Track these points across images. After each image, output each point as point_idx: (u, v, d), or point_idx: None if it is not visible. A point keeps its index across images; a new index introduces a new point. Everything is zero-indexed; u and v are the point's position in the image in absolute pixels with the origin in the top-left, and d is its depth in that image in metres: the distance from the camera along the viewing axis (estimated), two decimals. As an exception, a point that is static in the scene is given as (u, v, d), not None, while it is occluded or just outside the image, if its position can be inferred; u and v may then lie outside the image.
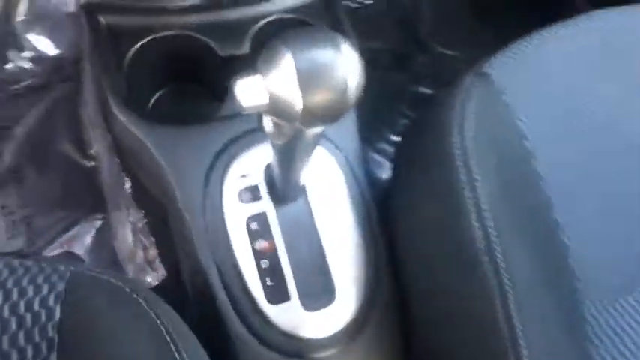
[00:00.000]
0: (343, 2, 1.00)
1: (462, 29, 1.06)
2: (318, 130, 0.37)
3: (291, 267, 0.50)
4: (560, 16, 0.53)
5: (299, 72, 0.31)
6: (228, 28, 0.57)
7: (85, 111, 0.81)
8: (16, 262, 0.36)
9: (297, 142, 0.38)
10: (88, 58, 0.58)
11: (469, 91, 0.48)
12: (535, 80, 0.49)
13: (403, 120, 0.94)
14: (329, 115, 0.34)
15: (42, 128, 0.81)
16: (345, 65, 0.32)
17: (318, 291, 0.50)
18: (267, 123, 0.37)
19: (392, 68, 0.97)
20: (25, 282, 0.34)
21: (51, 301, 0.34)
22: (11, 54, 0.84)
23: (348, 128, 0.56)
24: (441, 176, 0.45)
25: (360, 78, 0.34)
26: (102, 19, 0.54)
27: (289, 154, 0.41)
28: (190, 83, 0.63)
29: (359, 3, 1.00)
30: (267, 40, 0.33)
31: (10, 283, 0.34)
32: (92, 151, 0.79)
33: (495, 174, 0.45)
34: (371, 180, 0.57)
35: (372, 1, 1.03)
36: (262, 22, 0.58)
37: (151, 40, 0.56)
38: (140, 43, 0.55)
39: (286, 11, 0.59)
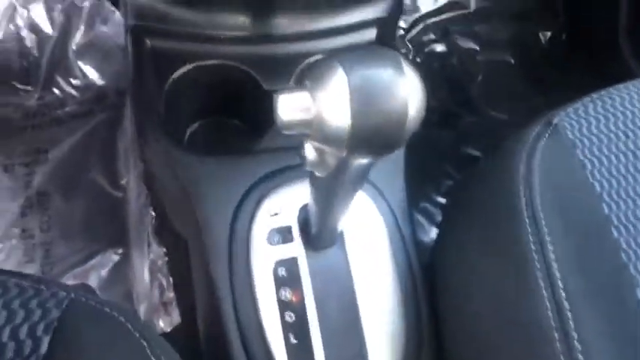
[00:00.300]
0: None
1: (512, 94, 1.03)
2: (366, 161, 0.32)
3: (320, 324, 0.44)
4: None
5: (351, 89, 0.27)
6: (275, 62, 0.55)
7: (122, 140, 0.80)
8: (12, 281, 0.31)
9: (341, 175, 0.33)
10: (130, 82, 0.56)
11: (537, 142, 0.43)
12: (606, 136, 0.44)
13: (448, 181, 0.88)
14: (381, 143, 0.29)
15: (76, 155, 0.79)
16: (405, 87, 0.28)
17: (348, 355, 0.43)
18: (310, 150, 0.33)
19: (439, 127, 0.93)
20: (15, 305, 0.30)
21: (40, 331, 0.29)
22: (60, 79, 0.85)
23: (394, 173, 0.51)
24: (504, 232, 0.39)
25: (421, 104, 0.29)
26: (148, 41, 0.53)
27: (330, 190, 0.36)
28: (229, 116, 0.60)
29: (403, 55, 0.99)
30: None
31: (-1, 305, 0.29)
32: (122, 182, 0.77)
33: (566, 235, 0.39)
34: (414, 234, 0.52)
35: (420, 60, 1.02)
36: (311, 60, 0.56)
37: (195, 67, 0.53)
38: (183, 69, 0.53)
39: (337, 51, 0.56)
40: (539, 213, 0.39)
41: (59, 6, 0.87)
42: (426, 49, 1.02)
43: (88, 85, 0.84)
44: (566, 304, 0.35)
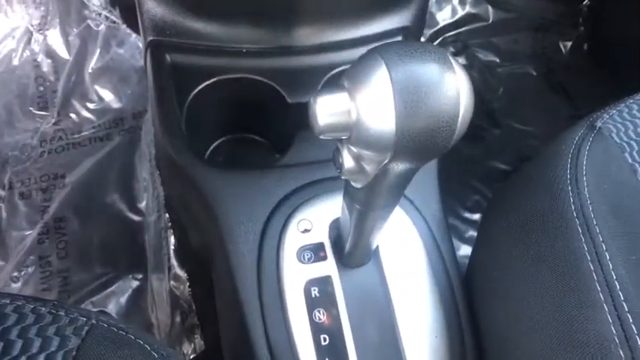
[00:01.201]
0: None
1: (536, 105, 1.00)
2: (409, 167, 0.29)
3: (356, 347, 0.40)
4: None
5: (396, 88, 0.24)
6: (299, 75, 0.53)
7: (140, 163, 0.78)
8: (28, 307, 0.29)
9: (381, 184, 0.30)
10: (150, 100, 0.54)
11: (581, 147, 0.40)
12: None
13: (475, 196, 0.85)
14: (429, 147, 0.27)
15: (94, 178, 0.78)
16: (455, 84, 0.25)
17: None
18: (347, 157, 0.30)
19: (462, 141, 0.91)
20: (32, 333, 0.27)
21: (58, 361, 0.26)
22: (77, 103, 0.84)
23: (428, 184, 0.48)
24: (555, 243, 0.36)
25: (471, 102, 0.27)
26: (168, 57, 0.51)
27: (367, 202, 0.33)
28: (252, 132, 0.58)
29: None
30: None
31: (14, 333, 0.27)
32: (141, 205, 0.75)
33: (623, 244, 0.35)
34: (453, 250, 0.48)
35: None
36: (335, 71, 0.53)
37: (216, 81, 0.52)
38: (204, 84, 0.51)
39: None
40: (592, 221, 0.35)
41: (75, 30, 0.87)
42: (445, 62, 1.00)
43: (104, 109, 0.83)
44: (629, 317, 0.31)
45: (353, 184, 0.32)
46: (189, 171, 0.46)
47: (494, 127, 0.94)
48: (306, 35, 0.53)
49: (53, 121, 0.82)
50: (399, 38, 0.56)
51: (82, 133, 0.82)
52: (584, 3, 1.08)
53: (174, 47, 0.51)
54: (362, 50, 0.55)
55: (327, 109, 0.26)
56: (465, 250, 0.77)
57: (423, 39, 1.02)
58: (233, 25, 0.51)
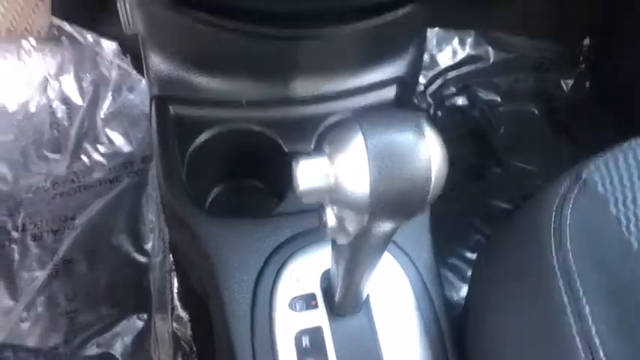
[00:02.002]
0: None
1: (537, 144, 1.02)
2: (388, 228, 0.31)
3: (346, 396, 0.41)
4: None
5: (370, 154, 0.26)
6: (296, 125, 0.55)
7: (147, 205, 0.80)
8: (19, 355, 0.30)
9: (363, 242, 0.32)
10: (154, 149, 0.56)
11: (566, 198, 0.41)
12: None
13: (476, 235, 0.86)
14: (404, 209, 0.28)
15: (103, 220, 0.80)
16: (427, 150, 0.27)
17: None
18: (330, 216, 0.32)
19: (464, 180, 0.92)
20: None
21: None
22: (89, 147, 0.87)
23: (420, 232, 0.49)
24: (538, 293, 0.37)
25: (444, 166, 0.28)
26: (171, 109, 0.54)
27: (352, 258, 0.35)
28: (250, 178, 0.60)
29: (425, 110, 0.99)
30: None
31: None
32: (147, 246, 0.77)
33: (604, 297, 0.36)
34: (444, 298, 0.49)
35: (441, 114, 1.02)
36: (332, 120, 0.56)
37: (216, 132, 0.54)
38: (205, 134, 0.54)
39: (357, 110, 0.57)
40: (574, 275, 0.36)
41: (88, 76, 0.91)
42: (447, 103, 1.02)
43: (115, 152, 0.86)
44: None
45: (337, 241, 0.34)
46: (187, 219, 0.48)
47: (495, 166, 0.96)
48: (303, 87, 0.55)
49: (66, 164, 0.86)
50: (393, 88, 0.58)
51: (93, 176, 0.85)
52: (584, 42, 1.10)
53: (177, 100, 0.54)
54: (357, 100, 0.58)
55: (308, 172, 0.28)
56: (465, 291, 0.77)
57: (424, 80, 1.04)
58: (234, 79, 0.54)
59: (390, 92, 0.58)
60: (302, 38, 0.48)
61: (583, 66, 1.10)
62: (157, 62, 0.53)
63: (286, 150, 0.54)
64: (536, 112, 1.05)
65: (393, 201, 0.27)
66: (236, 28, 0.46)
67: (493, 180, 0.93)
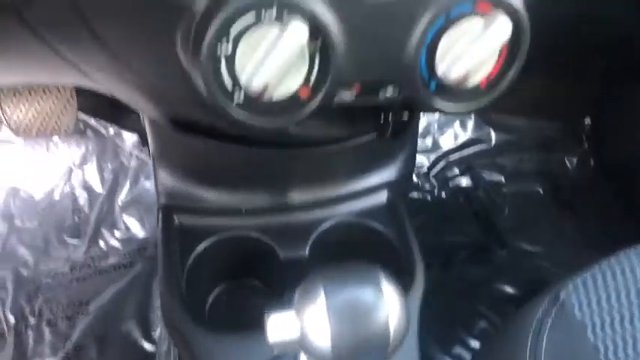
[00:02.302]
0: (415, 195, 1.03)
1: (543, 224, 1.02)
2: None
3: None
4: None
5: (331, 312, 0.29)
6: (292, 230, 0.58)
7: (157, 291, 0.84)
8: None
9: None
10: (159, 257, 0.60)
11: (544, 322, 0.42)
12: (619, 313, 0.43)
13: (481, 320, 0.86)
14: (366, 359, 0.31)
15: (115, 305, 0.83)
16: (385, 308, 0.30)
17: None
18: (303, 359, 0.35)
19: (468, 263, 0.93)
20: None
21: None
22: (106, 233, 0.92)
23: (407, 348, 0.51)
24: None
25: (403, 322, 0.31)
26: (176, 218, 0.58)
27: None
28: (250, 278, 0.63)
29: (428, 191, 1.01)
30: (309, 271, 0.32)
31: None
32: (155, 334, 0.79)
33: None
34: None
35: (445, 195, 1.04)
36: (325, 226, 0.59)
37: (216, 239, 0.58)
38: (206, 242, 0.57)
39: (349, 215, 0.60)
40: None
41: (109, 166, 0.97)
42: (451, 184, 1.04)
43: (130, 238, 0.91)
44: None
45: None
46: (184, 333, 0.50)
47: (500, 249, 0.96)
48: (298, 194, 0.59)
49: (84, 249, 0.90)
50: (385, 192, 0.61)
51: (109, 261, 0.89)
52: (585, 121, 1.12)
53: (182, 209, 0.58)
54: (349, 205, 0.61)
55: (277, 326, 0.31)
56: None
57: (427, 162, 1.08)
58: (234, 190, 0.58)
59: (382, 196, 0.61)
60: (292, 157, 0.52)
61: (586, 145, 1.12)
62: (164, 175, 0.58)
63: (281, 256, 0.57)
64: (541, 191, 1.07)
65: (355, 353, 0.30)
66: (234, 146, 0.50)
67: (498, 263, 0.94)
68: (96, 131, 0.97)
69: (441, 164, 1.06)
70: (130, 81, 0.42)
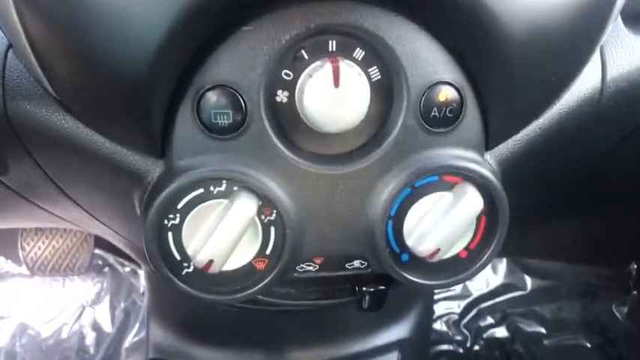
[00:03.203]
0: (444, 347, 0.93)
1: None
2: None
3: None
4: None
5: None
6: None
7: None
8: None
9: None
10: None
11: None
12: None
13: None
14: None
15: None
16: None
17: None
18: None
19: None
20: None
21: None
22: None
23: None
24: None
25: None
26: None
27: None
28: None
29: (460, 343, 0.92)
30: None
31: None
32: None
33: None
34: None
35: (479, 348, 0.94)
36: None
37: None
38: None
39: None
40: None
41: (122, 304, 0.94)
42: (485, 335, 0.95)
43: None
44: None
45: None
46: None
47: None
48: (298, 355, 0.53)
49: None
50: (396, 354, 0.55)
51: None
52: (632, 266, 1.03)
53: None
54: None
55: None
56: None
57: (458, 309, 0.99)
58: (228, 350, 0.54)
59: (393, 358, 0.55)
60: (288, 315, 0.48)
61: (635, 292, 1.02)
62: (156, 329, 0.55)
63: None
64: (589, 345, 0.95)
65: None
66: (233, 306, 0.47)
67: None
68: (113, 268, 0.96)
69: (473, 312, 0.97)
70: (112, 235, 0.41)
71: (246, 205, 0.26)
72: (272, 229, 0.28)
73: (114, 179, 0.29)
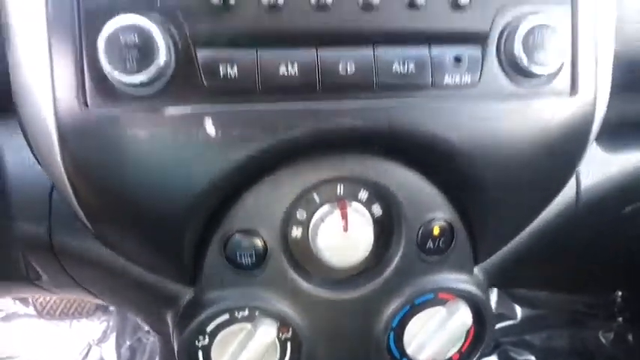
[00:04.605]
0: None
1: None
2: None
3: None
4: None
5: None
6: None
7: None
8: None
9: None
10: None
11: None
12: None
13: None
14: None
15: None
16: None
17: None
18: None
19: None
20: None
21: None
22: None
23: None
24: None
25: None
26: None
27: None
28: None
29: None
30: None
31: None
32: None
33: None
34: None
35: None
36: None
37: None
38: None
39: None
40: None
41: (127, 342, 0.97)
42: (477, 364, 0.99)
43: None
44: None
45: None
46: None
47: None
48: None
49: None
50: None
51: None
52: (617, 293, 1.07)
53: None
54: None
55: None
56: None
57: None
58: None
59: None
60: None
61: (620, 319, 1.06)
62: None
63: None
64: (577, 371, 0.99)
65: None
66: None
67: None
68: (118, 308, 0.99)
69: (465, 342, 1.01)
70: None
71: (267, 332, 0.30)
72: (288, 344, 0.32)
73: (145, 298, 0.32)
